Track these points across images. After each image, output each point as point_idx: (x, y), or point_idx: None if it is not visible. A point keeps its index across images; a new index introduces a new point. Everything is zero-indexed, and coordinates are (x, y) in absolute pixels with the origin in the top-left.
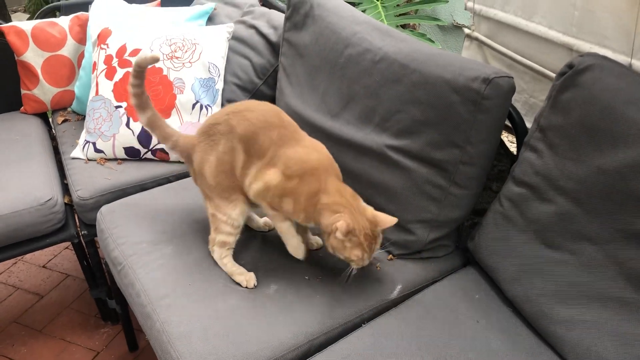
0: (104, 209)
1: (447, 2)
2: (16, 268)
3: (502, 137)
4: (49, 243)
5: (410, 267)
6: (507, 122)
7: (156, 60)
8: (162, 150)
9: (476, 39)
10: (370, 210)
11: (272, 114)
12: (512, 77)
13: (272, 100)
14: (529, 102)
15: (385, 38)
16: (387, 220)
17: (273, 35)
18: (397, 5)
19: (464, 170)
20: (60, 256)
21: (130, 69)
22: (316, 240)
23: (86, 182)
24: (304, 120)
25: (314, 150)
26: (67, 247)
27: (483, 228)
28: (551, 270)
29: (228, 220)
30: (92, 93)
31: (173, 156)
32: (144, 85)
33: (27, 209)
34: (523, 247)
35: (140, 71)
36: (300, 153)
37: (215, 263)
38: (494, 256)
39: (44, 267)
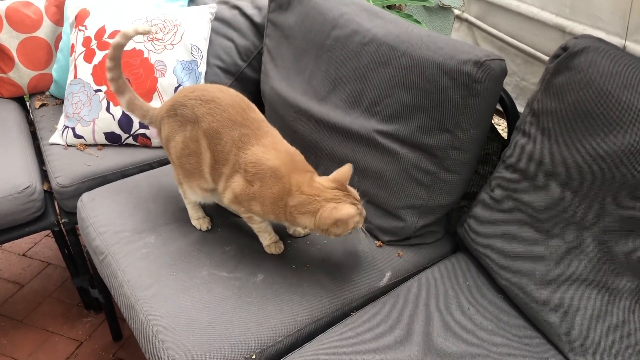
0: (85, 196)
1: None
2: None
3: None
4: (28, 232)
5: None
6: (498, 106)
7: (147, 31)
8: (143, 135)
9: (466, 20)
10: (325, 178)
11: (237, 110)
12: (504, 60)
13: (257, 83)
14: (520, 85)
15: (373, 19)
16: (344, 171)
17: (257, 16)
18: None
19: (454, 155)
20: (41, 244)
21: None
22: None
23: (66, 169)
24: (290, 104)
25: (271, 149)
26: (47, 235)
27: (473, 214)
28: (543, 256)
29: (187, 197)
30: (71, 76)
31: (155, 141)
32: (120, 69)
33: (4, 197)
34: (514, 233)
35: (116, 53)
36: (258, 154)
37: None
38: (484, 242)
39: (24, 255)
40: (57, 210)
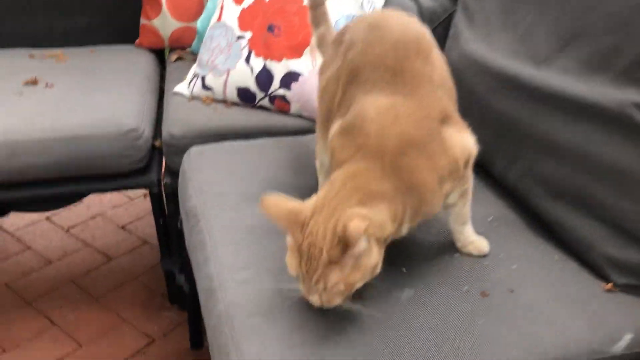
0: (194, 149)
1: None
2: (93, 223)
3: None
4: (123, 185)
5: None
6: None
7: None
8: (282, 98)
9: None
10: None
11: (398, 52)
12: None
13: None
14: None
15: None
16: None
17: None
18: None
19: None
20: (145, 220)
21: None
22: (476, 246)
23: (182, 119)
24: (488, 70)
25: (392, 111)
26: None
27: None
28: None
29: (318, 160)
30: (214, 19)
31: (295, 107)
32: None
33: (103, 135)
34: None
35: None
36: (367, 105)
37: None
38: None
39: (122, 228)
40: (162, 170)
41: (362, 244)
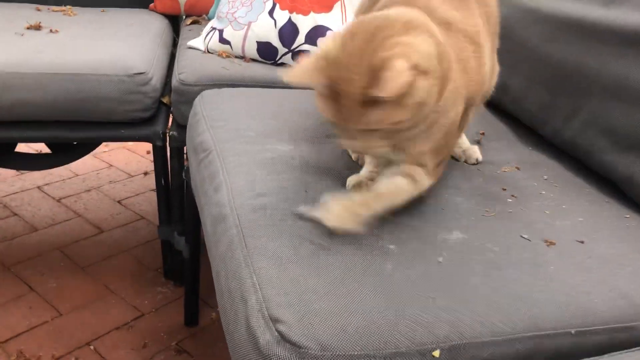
0: (208, 91)
1: None
2: (88, 195)
3: None
4: (126, 136)
5: None
6: None
7: None
8: (307, 55)
9: None
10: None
11: None
12: None
13: None
14: None
15: None
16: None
17: None
18: None
19: None
20: (143, 196)
21: None
22: (470, 154)
23: (195, 67)
24: (545, 18)
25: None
26: (153, 189)
27: None
28: None
29: None
30: None
31: None
32: None
33: (109, 74)
34: None
35: None
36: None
37: (354, 172)
38: None
39: (119, 202)
40: (169, 124)
41: (402, 87)
